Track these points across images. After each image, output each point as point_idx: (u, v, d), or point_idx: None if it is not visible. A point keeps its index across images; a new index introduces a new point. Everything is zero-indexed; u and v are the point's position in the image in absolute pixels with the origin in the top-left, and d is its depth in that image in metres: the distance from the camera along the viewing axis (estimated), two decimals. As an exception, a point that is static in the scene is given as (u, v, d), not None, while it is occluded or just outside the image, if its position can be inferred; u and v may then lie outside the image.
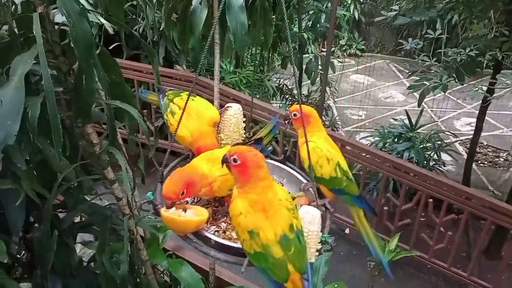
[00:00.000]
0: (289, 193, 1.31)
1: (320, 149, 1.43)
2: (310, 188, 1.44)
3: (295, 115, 1.46)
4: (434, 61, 3.93)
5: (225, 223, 1.34)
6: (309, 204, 1.39)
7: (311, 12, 5.94)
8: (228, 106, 1.50)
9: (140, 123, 1.55)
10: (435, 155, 5.01)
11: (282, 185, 1.54)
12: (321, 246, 1.22)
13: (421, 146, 4.94)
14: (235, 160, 1.11)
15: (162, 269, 2.43)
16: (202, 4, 2.00)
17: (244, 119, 1.52)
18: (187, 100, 1.35)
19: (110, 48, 3.69)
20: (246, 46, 2.10)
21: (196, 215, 1.22)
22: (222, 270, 2.62)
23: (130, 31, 1.74)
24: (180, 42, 2.28)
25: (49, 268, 1.72)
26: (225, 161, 1.14)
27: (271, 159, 1.59)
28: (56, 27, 1.53)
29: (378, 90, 9.22)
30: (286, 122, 1.52)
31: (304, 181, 1.52)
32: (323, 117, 6.10)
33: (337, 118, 7.56)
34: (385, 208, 4.54)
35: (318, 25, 5.85)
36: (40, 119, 1.43)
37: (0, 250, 1.48)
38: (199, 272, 2.47)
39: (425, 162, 4.80)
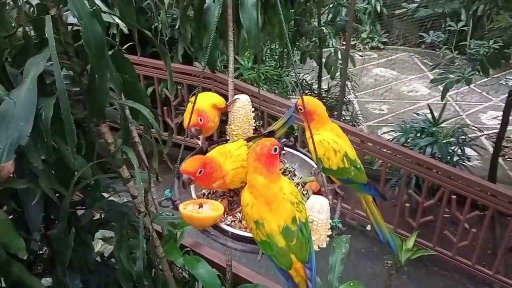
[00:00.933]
0: (297, 185, 1.37)
1: (326, 141, 1.44)
2: (320, 172, 1.47)
3: (300, 109, 1.46)
4: (457, 54, 3.82)
5: (240, 212, 1.37)
6: (319, 189, 1.46)
7: (330, 6, 5.86)
8: (236, 98, 1.54)
9: (152, 122, 1.56)
10: (459, 150, 4.88)
11: (294, 170, 1.59)
12: (331, 232, 1.29)
13: (445, 141, 4.82)
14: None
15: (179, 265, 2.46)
16: (215, 2, 1.99)
17: (253, 109, 1.55)
18: (196, 98, 1.37)
19: (125, 46, 3.73)
20: (260, 43, 2.09)
21: (212, 210, 1.26)
22: (239, 267, 2.63)
23: (141, 30, 1.75)
24: (195, 40, 2.29)
25: (67, 264, 1.76)
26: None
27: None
28: (70, 28, 1.55)
29: (401, 83, 9.04)
30: (292, 115, 1.53)
31: (315, 165, 1.53)
32: (343, 112, 6.03)
33: (358, 112, 7.46)
34: (407, 204, 4.46)
35: (337, 19, 5.77)
36: (55, 119, 1.46)
37: (20, 247, 1.51)
38: (216, 268, 2.49)
39: (448, 157, 4.69)
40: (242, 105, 1.52)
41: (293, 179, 1.58)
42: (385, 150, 4.25)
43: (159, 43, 1.79)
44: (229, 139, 1.56)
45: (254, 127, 1.59)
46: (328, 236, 1.28)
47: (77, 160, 1.52)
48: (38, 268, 2.05)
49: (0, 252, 1.52)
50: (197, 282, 2.50)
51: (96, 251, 2.72)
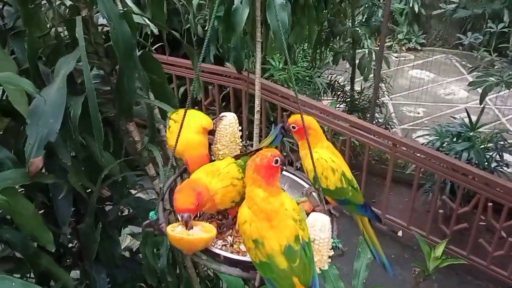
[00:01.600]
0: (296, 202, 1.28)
1: (324, 160, 1.37)
2: (313, 193, 1.39)
3: (293, 127, 1.39)
4: (496, 56, 3.67)
5: (231, 236, 1.30)
6: (313, 209, 1.35)
7: (365, 6, 5.76)
8: (222, 116, 1.42)
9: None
10: (498, 156, 4.68)
11: (284, 191, 1.49)
12: (333, 252, 1.18)
13: (482, 146, 4.63)
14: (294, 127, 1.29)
15: (203, 263, 2.48)
16: (243, 3, 2.00)
17: (240, 128, 1.45)
18: (185, 112, 1.24)
19: (155, 46, 3.78)
20: (287, 44, 2.08)
21: (203, 231, 1.15)
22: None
23: (170, 31, 1.78)
24: (224, 41, 2.31)
25: (93, 258, 1.81)
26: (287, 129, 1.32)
27: None
28: (100, 29, 1.60)
29: (438, 86, 8.77)
30: (286, 133, 1.45)
31: (306, 186, 1.46)
32: (376, 114, 5.91)
33: (392, 115, 7.29)
34: (441, 211, 4.33)
35: (372, 20, 5.66)
36: (85, 117, 1.50)
37: (48, 240, 1.56)
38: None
39: (485, 163, 4.51)
40: (229, 123, 1.41)
41: None
42: (418, 154, 4.14)
43: (186, 44, 1.82)
44: (214, 160, 1.43)
45: (240, 147, 1.46)
46: (329, 257, 1.18)
47: (104, 157, 1.56)
48: (68, 261, 2.12)
49: (29, 244, 1.58)
50: (221, 281, 2.51)
51: (124, 246, 2.80)
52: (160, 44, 2.17)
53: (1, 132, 1.69)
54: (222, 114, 1.43)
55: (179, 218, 1.14)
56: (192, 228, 1.12)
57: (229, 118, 1.41)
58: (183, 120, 1.21)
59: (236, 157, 1.35)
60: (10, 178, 1.31)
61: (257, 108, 2.07)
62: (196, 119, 1.39)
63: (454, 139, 4.82)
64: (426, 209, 4.57)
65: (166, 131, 1.49)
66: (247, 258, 1.14)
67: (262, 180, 1.08)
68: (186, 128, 1.24)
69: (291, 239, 1.05)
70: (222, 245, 1.26)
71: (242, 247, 1.24)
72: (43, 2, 1.68)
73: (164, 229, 1.18)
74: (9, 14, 1.56)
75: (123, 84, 1.50)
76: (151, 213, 1.22)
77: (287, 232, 1.06)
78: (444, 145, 4.87)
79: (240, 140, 1.45)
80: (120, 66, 1.46)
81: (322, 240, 1.15)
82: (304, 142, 1.34)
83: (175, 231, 1.11)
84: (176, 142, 1.23)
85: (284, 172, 1.41)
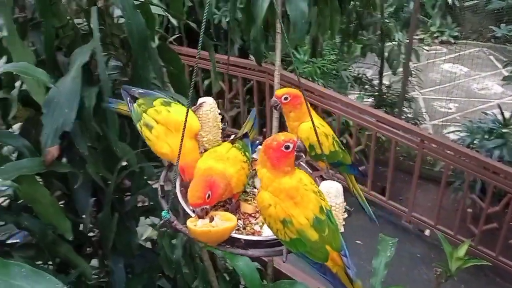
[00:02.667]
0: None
1: (317, 127, 1.38)
2: (301, 162, 1.38)
3: (286, 98, 1.39)
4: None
5: (240, 219, 1.27)
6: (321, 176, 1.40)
7: (394, -1, 5.61)
8: (202, 102, 1.38)
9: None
10: (532, 154, 4.48)
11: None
12: (346, 215, 1.23)
13: (516, 143, 4.44)
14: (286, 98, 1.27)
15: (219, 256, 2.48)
16: (262, -8, 1.97)
17: (219, 111, 1.42)
18: (186, 115, 1.17)
19: (173, 37, 3.77)
20: (305, 35, 2.03)
21: (223, 220, 1.14)
22: (281, 262, 2.61)
23: (187, 23, 1.77)
24: (245, 32, 2.28)
25: (110, 247, 1.83)
26: (274, 104, 1.28)
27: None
28: (116, 20, 1.60)
29: (472, 80, 8.47)
30: (275, 108, 1.43)
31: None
32: (405, 109, 5.75)
33: (422, 110, 7.09)
34: (469, 210, 4.18)
35: (402, 12, 5.50)
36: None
37: (66, 228, 1.59)
38: (258, 262, 2.48)
39: (519, 161, 4.32)
40: (210, 108, 1.38)
41: None
42: (448, 151, 4.01)
43: (204, 36, 1.81)
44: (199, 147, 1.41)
45: (222, 131, 1.45)
46: (343, 219, 1.23)
47: (119, 147, 1.58)
48: (87, 250, 2.16)
49: (47, 232, 1.62)
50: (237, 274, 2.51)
51: (145, 237, 2.84)
52: (179, 35, 2.16)
53: (22, 123, 1.73)
54: (201, 100, 1.38)
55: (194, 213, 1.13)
56: (213, 219, 1.12)
57: (209, 103, 1.38)
58: (184, 124, 1.16)
59: (232, 142, 1.35)
60: (26, 167, 1.34)
61: (276, 101, 2.04)
62: (188, 124, 1.28)
63: (486, 136, 4.64)
64: (455, 208, 4.43)
65: (140, 129, 1.34)
66: (264, 237, 1.18)
67: (267, 161, 1.09)
68: (178, 133, 1.21)
69: (316, 211, 1.09)
70: (236, 230, 1.25)
71: (257, 228, 1.25)
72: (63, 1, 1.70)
73: (178, 226, 1.17)
74: (29, 6, 1.58)
75: (138, 74, 1.51)
76: (164, 213, 1.18)
77: (311, 206, 1.09)
78: (475, 142, 4.71)
79: (221, 124, 1.43)
80: (134, 56, 1.46)
81: (338, 205, 1.20)
82: (295, 114, 1.38)
83: (197, 225, 1.10)
84: (179, 156, 1.18)
85: None
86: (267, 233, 1.20)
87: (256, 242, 1.17)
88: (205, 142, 1.39)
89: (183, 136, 1.16)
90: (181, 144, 1.17)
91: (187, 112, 1.16)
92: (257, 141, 1.48)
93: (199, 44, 1.03)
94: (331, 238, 1.10)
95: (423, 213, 4.54)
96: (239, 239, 1.15)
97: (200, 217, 1.12)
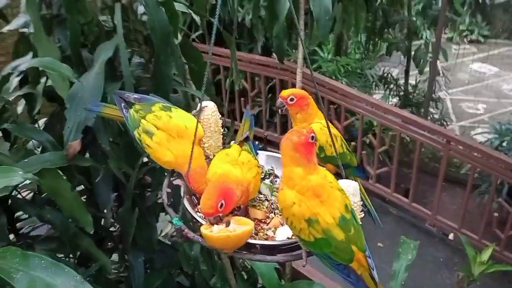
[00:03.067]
0: None
1: (326, 128, 1.34)
2: None
3: (292, 99, 1.33)
4: None
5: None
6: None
7: (422, -5, 5.48)
8: (204, 106, 1.32)
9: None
10: None
11: (274, 171, 1.42)
12: (363, 214, 1.21)
13: (547, 146, 4.29)
14: (292, 99, 1.20)
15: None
16: (286, -11, 1.94)
17: (220, 116, 1.37)
18: (198, 121, 1.15)
19: (195, 35, 3.71)
20: (329, 32, 2.00)
21: (239, 224, 1.10)
22: (299, 262, 2.59)
23: (210, 21, 1.77)
24: (268, 30, 2.27)
25: (129, 242, 1.85)
26: (280, 106, 1.21)
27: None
28: (140, 17, 1.61)
29: (502, 81, 8.23)
30: (280, 110, 1.37)
31: None
32: (432, 110, 5.62)
33: (449, 111, 6.93)
34: (496, 214, 4.06)
35: (430, 9, 5.37)
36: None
37: (87, 222, 1.61)
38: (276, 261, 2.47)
39: (550, 165, 4.16)
40: (211, 112, 1.33)
41: (276, 181, 1.43)
42: (475, 153, 3.90)
43: (226, 32, 1.80)
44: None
45: (223, 135, 1.39)
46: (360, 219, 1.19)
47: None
48: (109, 244, 2.19)
49: (69, 225, 1.64)
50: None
51: (165, 233, 2.86)
52: (202, 33, 2.16)
53: (47, 118, 1.76)
54: (202, 104, 1.31)
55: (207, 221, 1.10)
56: (229, 224, 1.08)
57: (210, 107, 1.33)
58: (195, 134, 1.12)
59: (240, 144, 1.31)
60: (49, 160, 1.36)
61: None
62: (191, 130, 1.24)
63: (516, 138, 4.50)
64: (480, 212, 4.31)
65: (139, 136, 1.26)
66: (280, 242, 1.15)
67: (302, 158, 1.05)
68: (182, 140, 1.19)
69: (342, 210, 1.06)
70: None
71: (270, 233, 1.21)
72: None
73: (189, 234, 1.11)
74: (55, 2, 1.61)
75: (160, 70, 1.51)
76: (175, 220, 1.13)
77: (337, 204, 1.06)
78: (503, 144, 4.57)
79: (221, 128, 1.39)
80: (156, 52, 1.46)
81: (355, 204, 1.17)
82: (301, 115, 1.34)
83: (213, 231, 1.06)
84: (189, 168, 1.16)
85: (267, 153, 1.38)
86: (280, 238, 1.17)
87: (272, 247, 1.14)
88: (206, 148, 1.34)
89: (194, 142, 1.13)
90: (192, 150, 1.13)
91: (197, 119, 1.14)
92: (257, 142, 1.44)
93: (212, 38, 1.01)
94: (356, 238, 1.07)
95: (447, 216, 4.44)
96: (255, 244, 1.12)
97: (213, 224, 1.08)
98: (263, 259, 1.12)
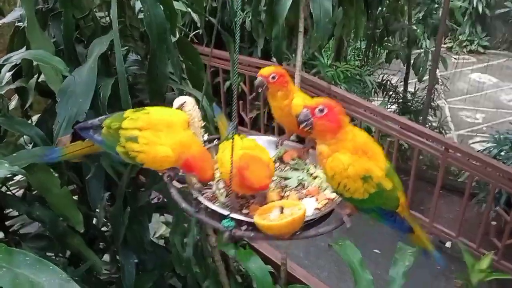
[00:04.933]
0: (275, 162, 1.31)
1: (309, 98, 1.30)
2: (285, 141, 1.39)
3: (273, 77, 1.28)
4: None
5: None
6: (299, 155, 1.36)
7: (422, 3, 5.48)
8: (183, 102, 1.28)
9: (206, 109, 1.54)
10: (562, 168, 4.29)
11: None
12: None
13: (545, 156, 4.27)
14: (321, 111, 1.06)
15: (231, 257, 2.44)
16: (286, -9, 1.93)
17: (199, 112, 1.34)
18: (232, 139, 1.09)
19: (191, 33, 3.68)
20: (329, 35, 1.98)
21: (290, 207, 1.07)
22: (295, 267, 2.55)
23: (210, 23, 1.75)
24: (267, 32, 2.25)
25: (121, 241, 1.81)
26: (305, 118, 1.06)
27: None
28: (137, 13, 1.59)
29: (500, 91, 8.23)
30: (260, 90, 1.33)
31: (274, 139, 1.43)
32: (430, 118, 5.61)
33: (448, 119, 6.91)
34: (493, 223, 4.03)
35: (430, 18, 5.37)
36: (118, 100, 1.50)
37: (78, 220, 1.58)
38: (271, 265, 2.43)
39: (548, 175, 4.14)
40: (193, 107, 1.30)
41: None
42: (473, 162, 3.88)
43: (225, 32, 1.78)
44: None
45: (203, 129, 1.37)
46: None
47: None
48: (100, 244, 2.15)
49: (59, 223, 1.61)
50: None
51: (159, 234, 2.82)
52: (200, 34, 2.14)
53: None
54: (180, 99, 1.29)
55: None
56: (282, 209, 1.06)
57: (190, 101, 1.29)
58: (232, 146, 1.06)
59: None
60: (38, 155, 1.33)
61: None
62: (176, 116, 1.21)
63: (514, 147, 4.48)
64: (478, 221, 4.27)
65: (124, 149, 1.18)
66: (320, 213, 1.15)
67: (345, 122, 1.08)
68: (171, 129, 1.13)
69: (385, 160, 1.11)
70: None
71: (295, 210, 1.12)
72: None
73: (238, 233, 1.05)
74: (51, -3, 1.59)
75: (155, 67, 1.48)
76: (225, 222, 1.04)
77: (381, 156, 1.11)
78: (502, 153, 4.55)
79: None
80: (152, 48, 1.44)
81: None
82: (283, 92, 1.31)
83: (273, 219, 1.03)
84: (231, 169, 1.09)
85: (252, 137, 1.34)
86: (309, 213, 1.16)
87: (315, 221, 1.14)
88: None
89: (232, 150, 1.06)
90: (232, 157, 1.05)
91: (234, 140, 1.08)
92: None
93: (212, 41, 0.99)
94: (398, 183, 1.12)
95: (445, 224, 4.41)
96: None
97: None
98: (316, 233, 1.10)
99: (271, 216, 1.05)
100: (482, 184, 4.48)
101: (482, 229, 3.99)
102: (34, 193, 1.80)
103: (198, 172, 1.14)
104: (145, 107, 1.22)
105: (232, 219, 1.06)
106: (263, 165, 1.11)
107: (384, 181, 1.09)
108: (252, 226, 1.07)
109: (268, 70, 1.31)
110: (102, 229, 2.17)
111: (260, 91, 1.33)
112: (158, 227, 2.81)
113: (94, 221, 2.10)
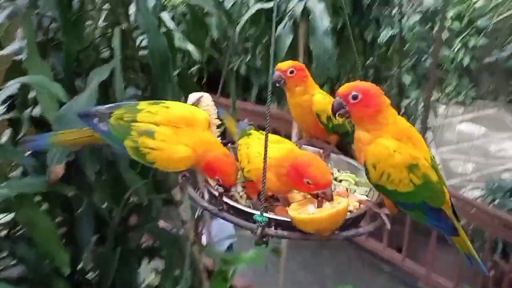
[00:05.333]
0: None
1: (329, 97, 1.23)
2: (303, 146, 1.32)
3: (292, 72, 1.22)
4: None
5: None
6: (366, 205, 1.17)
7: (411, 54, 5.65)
8: (200, 96, 1.21)
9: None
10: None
11: None
12: None
13: (539, 204, 4.26)
14: (355, 97, 0.96)
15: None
16: (286, 28, 1.95)
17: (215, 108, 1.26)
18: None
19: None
20: (328, 72, 1.99)
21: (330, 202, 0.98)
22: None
23: (210, 57, 1.74)
24: (265, 70, 2.26)
25: (109, 286, 1.69)
26: (339, 107, 0.97)
27: None
28: (138, 45, 1.58)
29: (489, 142, 8.36)
30: (278, 85, 1.26)
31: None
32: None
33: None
34: (491, 272, 3.93)
35: (418, 67, 5.52)
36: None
37: (64, 260, 1.46)
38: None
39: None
40: (209, 101, 1.23)
41: None
42: (469, 209, 3.84)
43: (232, 81, 1.77)
44: None
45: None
46: None
47: (128, 173, 1.49)
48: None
49: (43, 264, 1.49)
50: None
51: (147, 283, 2.66)
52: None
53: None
54: (197, 94, 1.21)
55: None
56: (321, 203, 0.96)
57: (207, 97, 1.22)
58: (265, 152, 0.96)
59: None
60: (29, 184, 1.25)
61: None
62: (198, 114, 1.12)
63: (508, 195, 4.48)
64: (476, 270, 4.17)
65: (134, 144, 1.07)
66: (360, 211, 1.08)
67: (385, 104, 0.98)
68: (192, 127, 1.05)
69: (428, 150, 1.01)
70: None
71: (335, 205, 1.03)
72: (87, 23, 1.70)
73: (270, 231, 0.95)
74: (52, 27, 1.57)
75: (157, 97, 1.45)
76: (257, 217, 0.93)
77: (424, 145, 1.01)
78: (495, 201, 4.53)
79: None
80: (154, 77, 1.41)
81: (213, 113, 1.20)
82: (301, 87, 1.25)
83: (314, 213, 0.94)
84: (264, 178, 0.97)
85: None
86: None
87: (355, 219, 1.04)
88: None
89: (265, 159, 0.95)
90: (264, 167, 0.94)
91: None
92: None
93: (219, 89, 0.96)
94: (442, 178, 1.02)
95: (443, 274, 4.29)
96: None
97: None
98: (356, 233, 1.02)
99: (309, 210, 0.96)
100: (478, 232, 4.42)
101: (481, 280, 3.90)
102: (19, 233, 1.69)
103: (222, 175, 1.03)
104: (162, 101, 1.11)
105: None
106: (322, 161, 1.02)
107: (430, 172, 0.98)
108: (282, 227, 0.97)
109: (286, 64, 1.25)
110: (88, 275, 2.03)
111: (277, 85, 1.25)
112: (147, 275, 2.67)
113: (80, 266, 1.97)
